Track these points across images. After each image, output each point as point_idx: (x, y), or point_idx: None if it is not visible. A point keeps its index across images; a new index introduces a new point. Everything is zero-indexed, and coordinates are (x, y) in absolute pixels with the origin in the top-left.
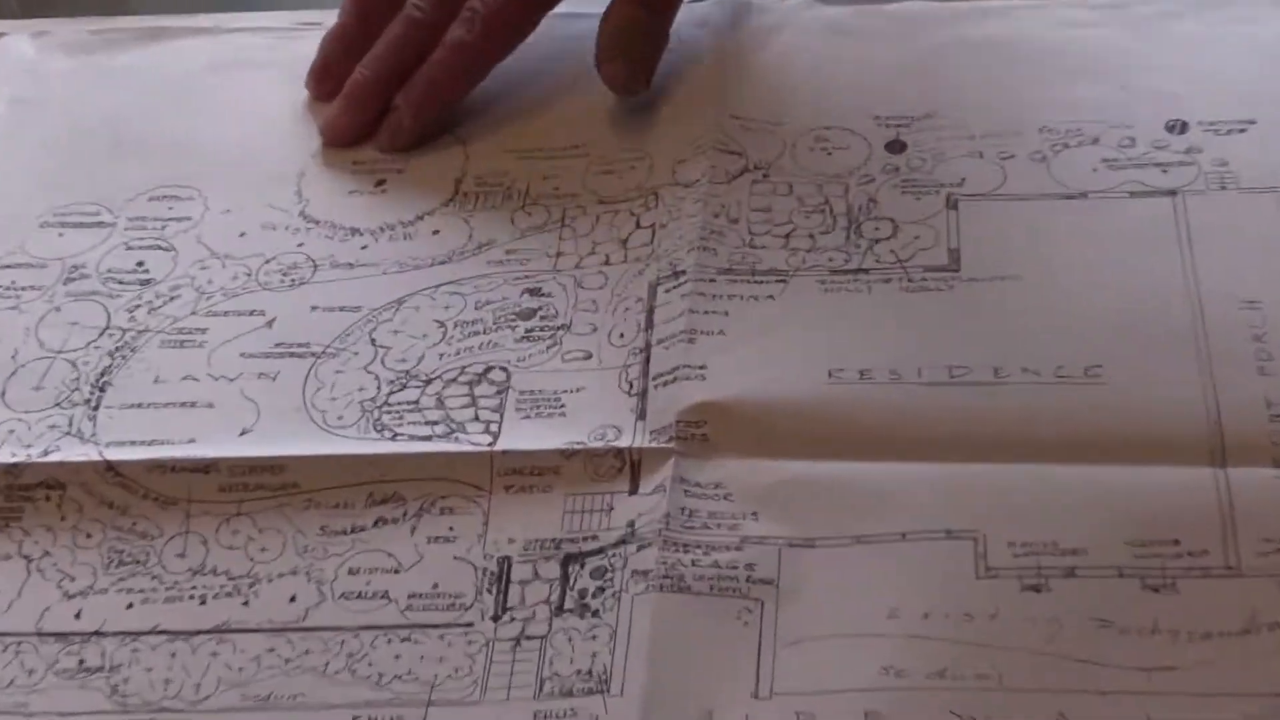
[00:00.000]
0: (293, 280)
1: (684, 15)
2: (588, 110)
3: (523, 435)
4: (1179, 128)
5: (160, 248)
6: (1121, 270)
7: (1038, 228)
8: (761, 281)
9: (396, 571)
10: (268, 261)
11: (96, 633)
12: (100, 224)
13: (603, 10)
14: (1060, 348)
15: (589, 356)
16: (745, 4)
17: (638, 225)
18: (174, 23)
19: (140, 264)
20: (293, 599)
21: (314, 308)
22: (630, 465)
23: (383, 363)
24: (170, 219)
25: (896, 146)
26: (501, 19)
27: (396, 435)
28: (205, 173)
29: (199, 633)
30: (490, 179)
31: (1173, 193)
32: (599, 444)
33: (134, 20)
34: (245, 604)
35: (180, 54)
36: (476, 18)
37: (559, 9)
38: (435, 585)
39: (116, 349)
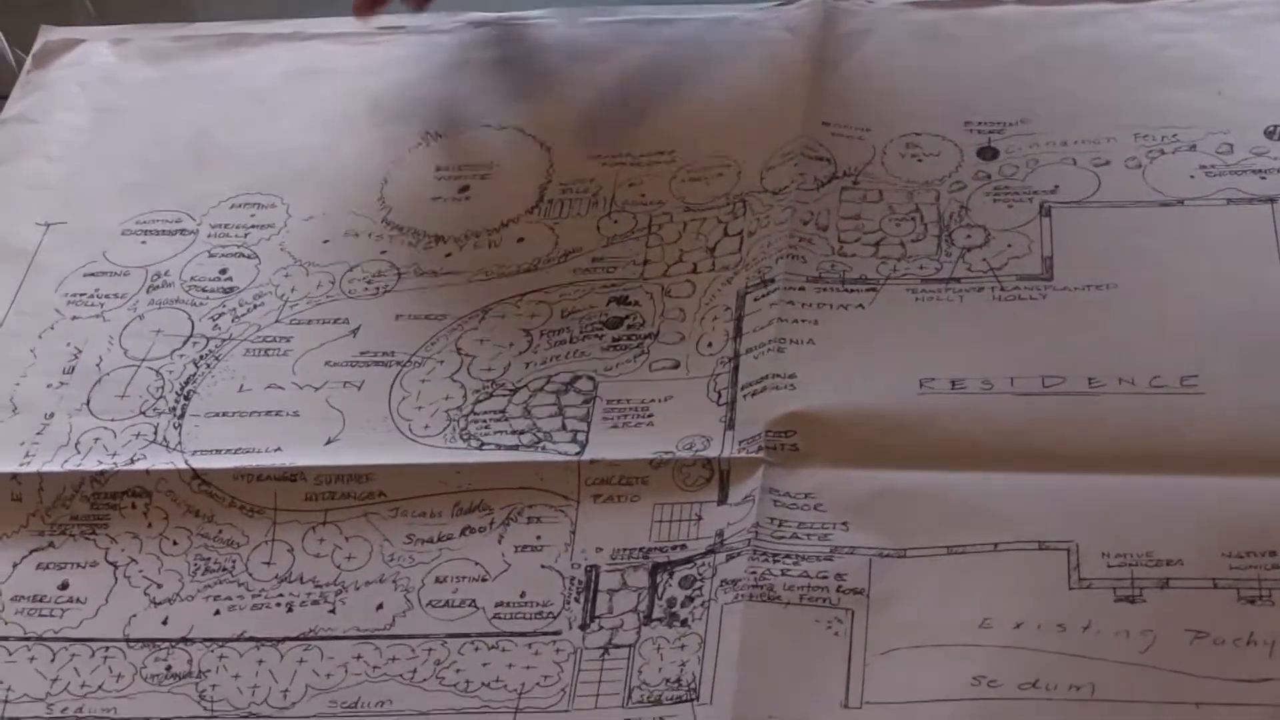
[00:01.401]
0: (377, 288)
1: (772, 19)
2: (674, 116)
3: (610, 445)
4: (1278, 134)
5: (243, 255)
6: (1218, 279)
7: (1133, 235)
8: (852, 290)
9: (484, 580)
10: (351, 269)
11: (184, 639)
12: (183, 231)
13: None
14: (1156, 357)
15: (677, 365)
16: (834, 7)
17: (725, 233)
18: (254, 29)
19: (223, 271)
20: (380, 606)
21: (398, 316)
22: (719, 475)
23: (469, 371)
24: (253, 226)
25: (989, 153)
26: None
27: (483, 444)
28: (287, 180)
29: (286, 639)
30: (575, 185)
31: (1272, 200)
32: (687, 454)
33: (214, 26)
34: (332, 611)
35: (261, 61)
36: None
37: (647, 13)
38: (523, 594)
39: (201, 357)
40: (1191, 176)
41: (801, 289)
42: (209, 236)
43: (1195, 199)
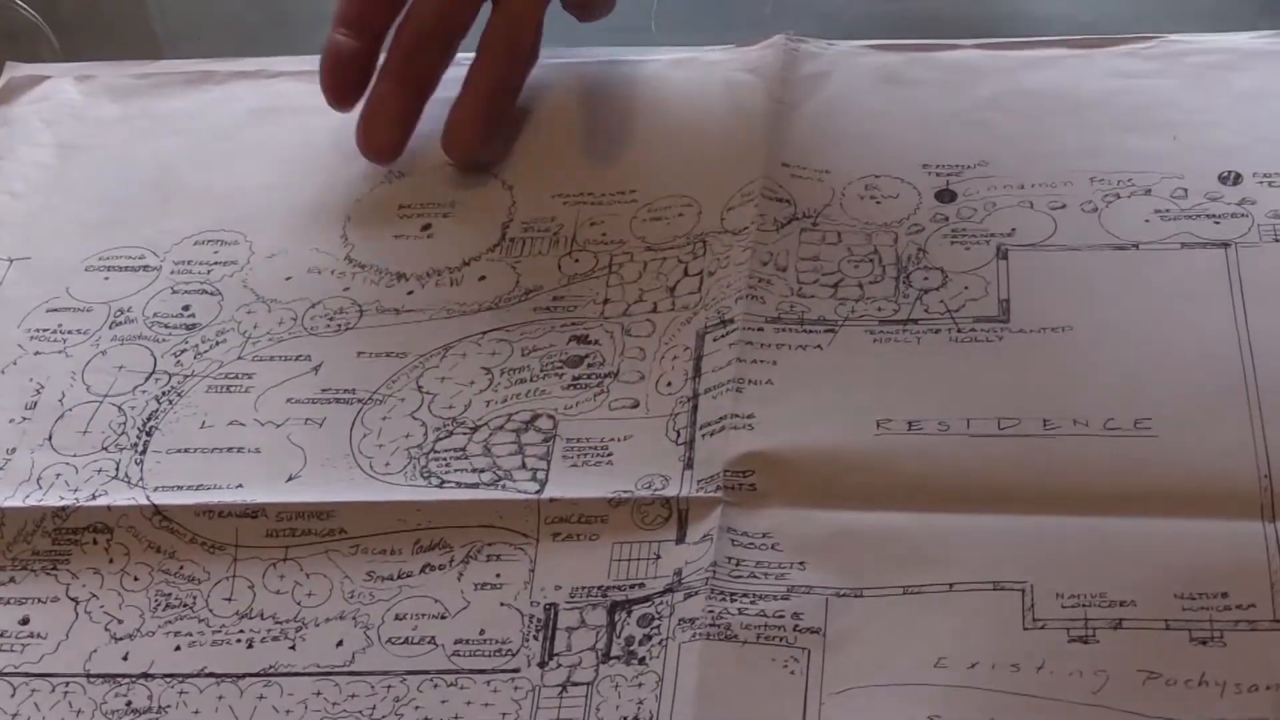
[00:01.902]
0: (339, 325)
1: (734, 60)
2: (636, 156)
3: (570, 484)
4: (1232, 179)
5: (206, 292)
6: (1173, 322)
7: (1089, 278)
8: (810, 331)
9: (443, 617)
10: (313, 306)
11: (144, 674)
12: (146, 268)
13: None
14: (1110, 400)
15: (636, 405)
16: (795, 50)
17: (685, 273)
18: (219, 66)
19: (186, 308)
20: (339, 643)
21: (360, 353)
22: (678, 514)
23: (429, 409)
24: (216, 263)
25: (946, 195)
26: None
27: (444, 483)
28: (251, 217)
29: (246, 675)
30: (537, 224)
31: (1225, 244)
32: (646, 493)
33: (179, 64)
34: (292, 648)
35: (226, 99)
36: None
37: (609, 55)
38: (482, 631)
39: (163, 393)
40: (1146, 221)
41: (760, 329)
42: (172, 273)
43: (1150, 243)
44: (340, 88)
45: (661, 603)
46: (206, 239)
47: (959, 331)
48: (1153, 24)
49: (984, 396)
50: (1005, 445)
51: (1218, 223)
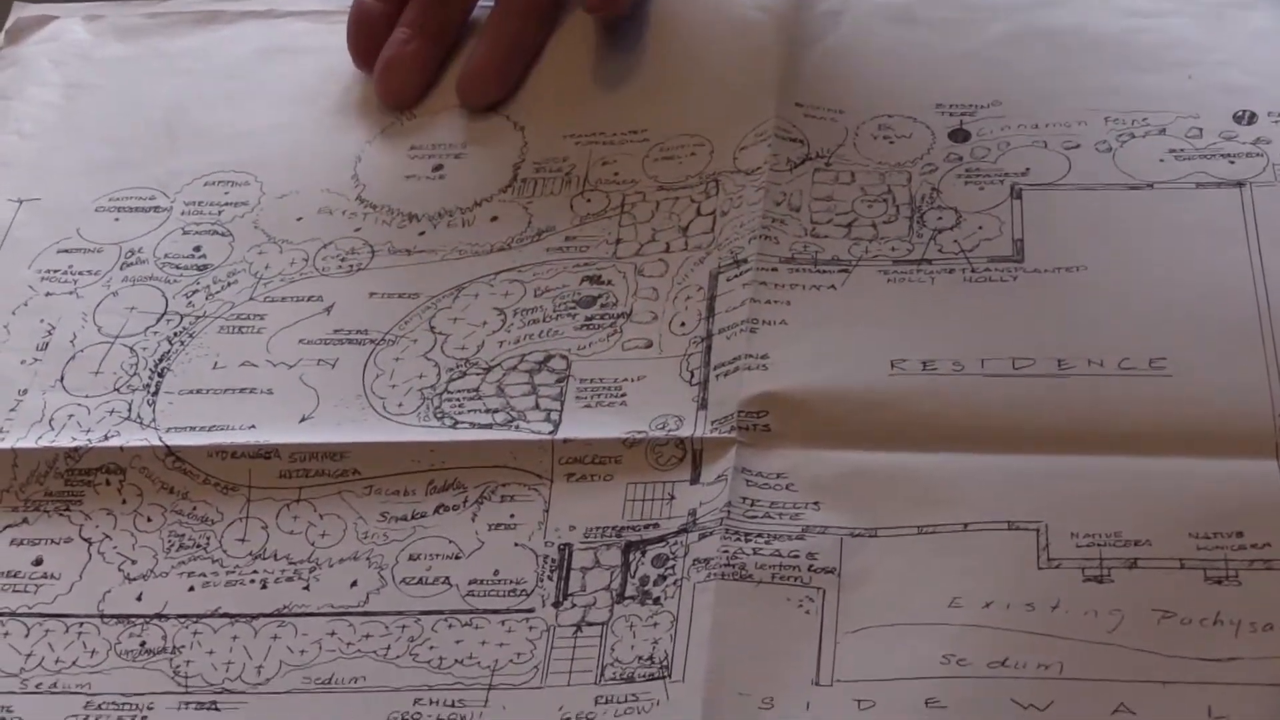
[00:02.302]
0: (350, 266)
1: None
2: (647, 95)
3: (584, 424)
4: (1247, 118)
5: (217, 233)
6: (1187, 262)
7: (1103, 218)
8: (824, 271)
9: (457, 558)
10: (325, 246)
11: (158, 615)
12: (156, 209)
13: None
14: (1125, 339)
15: (650, 345)
16: None
17: (698, 213)
18: (228, 6)
19: (197, 249)
20: (353, 584)
21: (372, 294)
22: (692, 455)
23: (442, 350)
24: (226, 204)
25: (960, 135)
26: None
27: (457, 423)
28: (261, 157)
29: (260, 616)
30: (548, 165)
31: (1240, 184)
32: (660, 433)
33: (187, 3)
34: (306, 588)
35: (234, 38)
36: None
37: None
38: (496, 571)
39: (175, 334)
40: (1161, 160)
41: (774, 270)
42: (182, 214)
43: (1164, 182)
44: (368, 51)
45: (676, 543)
46: (217, 179)
47: (973, 271)
48: None
49: (998, 336)
50: (1020, 385)
51: (1232, 162)
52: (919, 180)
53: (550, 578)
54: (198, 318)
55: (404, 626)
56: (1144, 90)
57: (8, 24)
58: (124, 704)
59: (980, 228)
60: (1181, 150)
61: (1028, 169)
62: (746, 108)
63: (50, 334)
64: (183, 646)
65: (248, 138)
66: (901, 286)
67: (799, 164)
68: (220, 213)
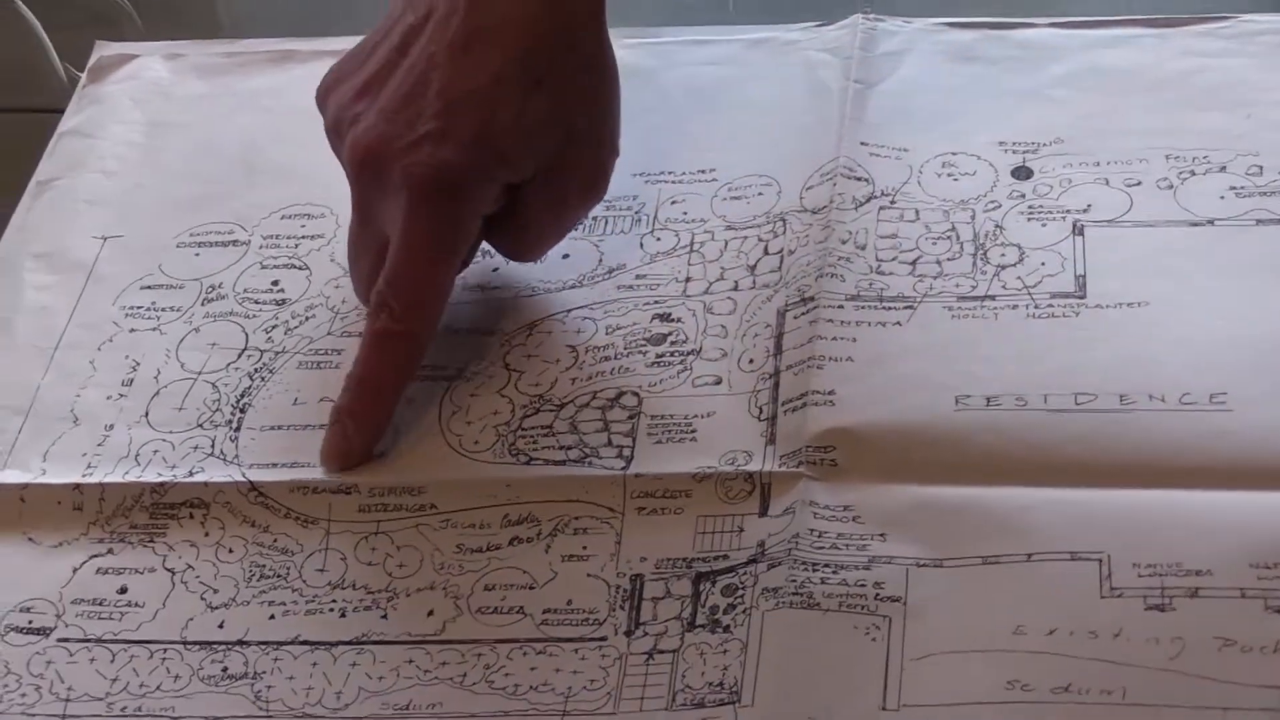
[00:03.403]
0: None
1: (811, 40)
2: (715, 136)
3: (655, 459)
4: None
5: (294, 266)
6: (1248, 298)
7: (1164, 254)
8: (889, 308)
9: (531, 588)
10: None
11: (240, 642)
12: (235, 243)
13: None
14: (1186, 375)
15: (719, 382)
16: (872, 29)
17: (766, 251)
18: (301, 45)
19: (275, 283)
20: (430, 613)
21: (447, 330)
22: (760, 488)
23: (516, 387)
24: (303, 237)
25: (1023, 173)
26: (416, 292)
27: (531, 460)
28: (336, 191)
29: (339, 643)
30: (619, 203)
31: None
32: (730, 468)
33: (263, 42)
34: (384, 617)
35: (308, 77)
36: (393, 299)
37: (688, 35)
38: (569, 601)
39: (255, 370)
40: (1222, 197)
41: (840, 307)
42: (260, 248)
43: (1225, 219)
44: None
45: (745, 573)
46: (293, 213)
47: (1036, 307)
48: (1227, 3)
49: (1061, 372)
50: (1082, 420)
51: None
52: (982, 217)
53: (622, 607)
54: (277, 353)
55: (480, 654)
56: (1204, 128)
57: (90, 62)
58: None
59: (1043, 264)
60: (1242, 188)
61: (1089, 205)
62: (812, 147)
63: (135, 370)
64: (264, 672)
65: (322, 172)
66: (965, 322)
67: (864, 202)
68: (297, 246)
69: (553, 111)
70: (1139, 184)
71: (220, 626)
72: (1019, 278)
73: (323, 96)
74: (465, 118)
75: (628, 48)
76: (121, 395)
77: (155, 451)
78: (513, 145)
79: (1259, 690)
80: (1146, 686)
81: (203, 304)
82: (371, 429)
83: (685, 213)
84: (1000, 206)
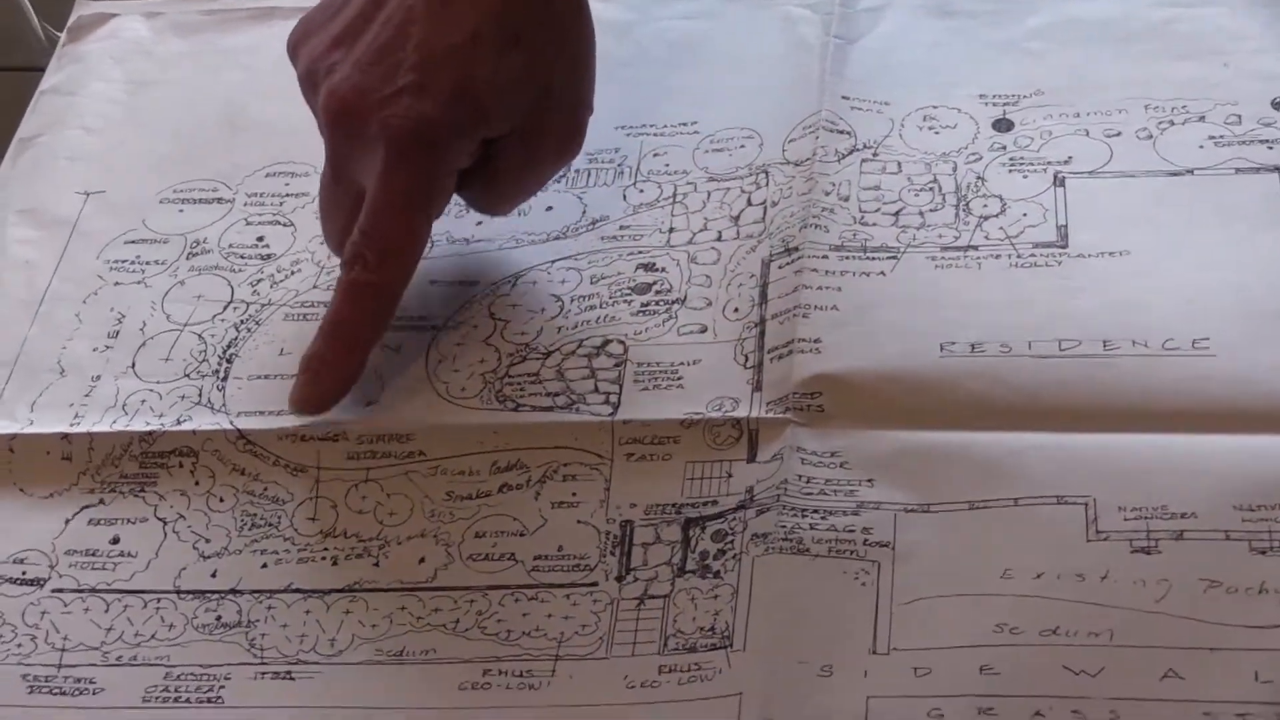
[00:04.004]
0: None
1: None
2: (696, 88)
3: (642, 406)
4: None
5: (279, 223)
6: (1228, 245)
7: (1145, 204)
8: (873, 258)
9: (521, 535)
10: None
11: (233, 590)
12: (219, 200)
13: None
14: (1168, 321)
15: (704, 330)
16: None
17: (749, 203)
18: (283, 3)
19: (260, 239)
20: (421, 560)
21: (433, 281)
22: (748, 434)
23: (502, 335)
24: (288, 195)
25: (1003, 125)
26: (392, 243)
27: (519, 406)
28: (319, 150)
29: (332, 591)
30: (601, 156)
31: (1278, 169)
32: (717, 414)
33: (244, 0)
34: (376, 564)
35: (289, 33)
36: (367, 249)
37: None
38: (560, 548)
39: (241, 322)
40: (1201, 147)
41: (825, 257)
42: (245, 205)
43: (1205, 168)
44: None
45: (734, 519)
46: (277, 171)
47: (1019, 257)
48: None
49: (1044, 319)
50: (1066, 365)
51: (1270, 148)
52: (964, 169)
53: (613, 553)
54: (263, 305)
55: (472, 601)
56: (1182, 78)
57: (69, 21)
58: (202, 674)
59: (1025, 215)
60: (1221, 137)
61: (1070, 157)
62: (793, 101)
63: (120, 322)
64: (257, 620)
65: (306, 130)
66: (949, 272)
67: (847, 155)
68: (282, 203)
69: (529, 69)
70: (1119, 135)
71: (213, 576)
72: (1001, 228)
73: (294, 47)
74: (444, 72)
75: (604, 1)
76: (108, 347)
77: (143, 401)
78: (491, 102)
79: (1245, 631)
80: (1134, 628)
81: (187, 258)
82: (342, 378)
83: (667, 165)
84: (981, 159)
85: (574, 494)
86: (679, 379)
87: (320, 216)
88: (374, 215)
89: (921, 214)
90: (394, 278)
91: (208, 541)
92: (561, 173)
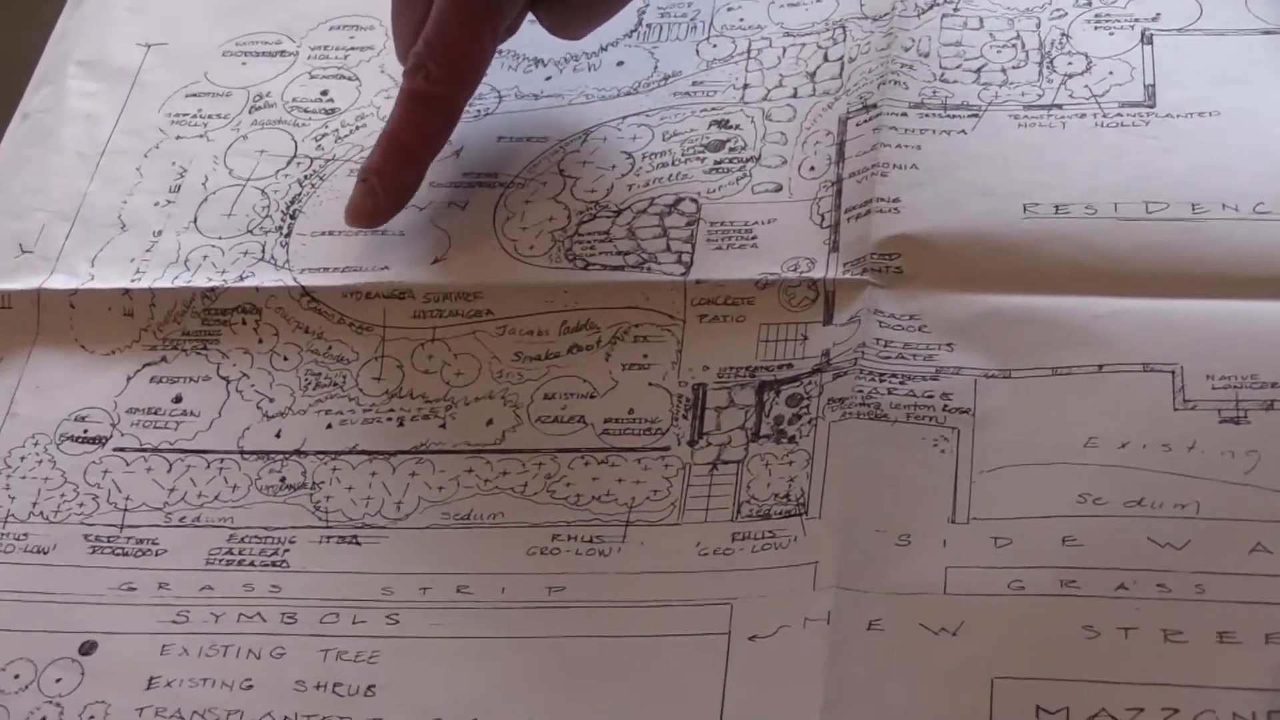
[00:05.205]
0: (478, 111)
1: None
2: None
3: (715, 266)
4: None
5: (344, 77)
6: None
7: (1236, 63)
8: (954, 116)
9: (592, 396)
10: None
11: (297, 451)
12: (283, 53)
13: None
14: (1260, 184)
15: (779, 189)
16: None
17: (825, 59)
18: None
19: (324, 93)
20: (489, 422)
21: (500, 138)
22: (824, 296)
23: (571, 193)
24: (352, 48)
25: None
26: (456, 53)
27: (589, 265)
28: (384, 2)
29: (398, 453)
30: (673, 10)
31: None
32: (792, 275)
33: None
34: (442, 426)
35: None
36: (430, 59)
37: None
38: (631, 410)
39: (305, 177)
40: None
41: (904, 115)
42: (309, 58)
43: None
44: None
45: (810, 383)
46: (342, 24)
47: (1104, 116)
48: None
49: (1131, 180)
50: (1153, 228)
51: None
52: (1048, 25)
53: (685, 416)
54: (327, 160)
55: (540, 464)
56: None
57: None
58: (267, 537)
59: (1111, 73)
60: None
61: (1158, 14)
62: None
63: (182, 176)
64: (322, 482)
65: None
66: (1032, 131)
67: (927, 9)
68: (346, 57)
69: None
70: None
71: (277, 436)
72: (1086, 86)
73: None
74: None
75: None
76: (169, 201)
77: (205, 257)
78: None
79: None
80: (1221, 500)
81: (250, 112)
82: (399, 190)
83: (742, 19)
84: (1066, 15)
85: (645, 355)
86: (753, 238)
87: (390, 23)
88: (440, 23)
89: (1004, 71)
90: (455, 90)
91: (271, 401)
92: (633, 26)
